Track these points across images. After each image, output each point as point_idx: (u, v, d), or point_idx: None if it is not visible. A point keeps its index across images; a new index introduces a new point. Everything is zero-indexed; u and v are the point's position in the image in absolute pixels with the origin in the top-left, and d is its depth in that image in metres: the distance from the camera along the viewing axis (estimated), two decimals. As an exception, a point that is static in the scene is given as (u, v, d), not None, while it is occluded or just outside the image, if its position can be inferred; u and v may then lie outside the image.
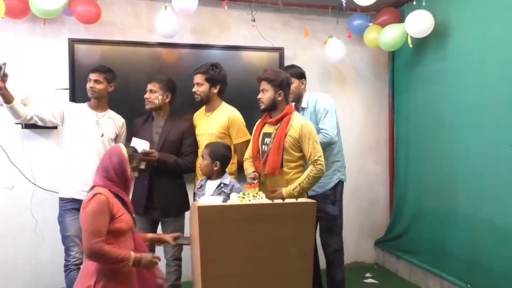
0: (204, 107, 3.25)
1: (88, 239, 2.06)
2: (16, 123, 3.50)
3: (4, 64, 2.74)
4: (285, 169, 2.85)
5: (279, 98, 2.84)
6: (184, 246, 3.17)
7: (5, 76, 2.77)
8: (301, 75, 3.32)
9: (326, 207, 3.27)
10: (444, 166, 3.64)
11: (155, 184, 3.05)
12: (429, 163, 3.85)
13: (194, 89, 3.15)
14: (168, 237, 2.63)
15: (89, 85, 3.07)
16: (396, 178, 4.37)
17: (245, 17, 4.00)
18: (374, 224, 4.51)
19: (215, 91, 3.14)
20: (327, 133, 3.19)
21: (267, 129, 2.93)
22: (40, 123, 3.07)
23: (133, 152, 2.33)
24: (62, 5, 3.15)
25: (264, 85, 2.85)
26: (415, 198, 4.05)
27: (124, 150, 2.28)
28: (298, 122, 2.83)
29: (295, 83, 3.23)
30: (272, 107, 2.87)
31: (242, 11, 4.01)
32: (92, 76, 3.07)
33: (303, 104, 3.32)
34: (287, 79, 2.90)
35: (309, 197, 3.14)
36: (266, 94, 2.85)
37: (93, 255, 2.08)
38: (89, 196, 2.15)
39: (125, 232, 2.21)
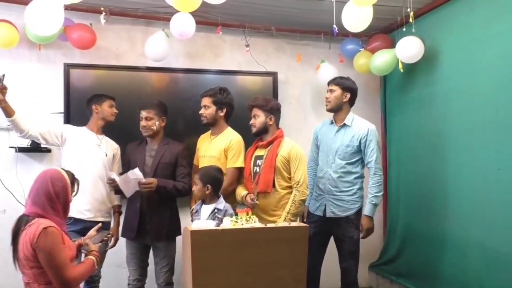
0: (210, 131, 3.28)
1: (62, 275, 2.00)
2: (10, 147, 3.52)
3: (3, 75, 2.70)
4: (277, 188, 2.97)
5: (270, 122, 3.06)
6: (176, 270, 3.15)
7: (4, 88, 2.74)
8: (345, 87, 3.21)
9: (350, 232, 3.15)
10: (434, 189, 3.66)
11: (147, 208, 3.04)
12: (420, 186, 3.87)
13: (201, 112, 3.18)
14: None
15: (113, 110, 3.19)
16: (389, 201, 4.38)
17: (239, 42, 4.07)
18: (368, 247, 4.46)
19: (222, 114, 3.18)
20: (381, 175, 3.14)
21: (259, 152, 3.10)
22: (42, 142, 3.08)
23: (73, 178, 2.22)
24: (57, 31, 3.19)
25: (255, 111, 3.07)
26: (407, 221, 4.05)
27: (65, 175, 2.16)
28: (288, 144, 3.03)
29: (337, 92, 3.19)
30: (264, 131, 3.07)
31: (236, 36, 4.09)
32: (112, 102, 3.20)
33: (347, 122, 3.22)
34: (276, 105, 3.13)
35: (328, 218, 3.19)
36: (258, 119, 3.06)
37: (71, 285, 2.06)
38: (34, 230, 1.98)
39: (73, 258, 2.18)
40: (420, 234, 3.85)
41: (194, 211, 2.91)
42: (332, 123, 3.33)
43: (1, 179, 3.52)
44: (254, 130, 3.09)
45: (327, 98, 3.25)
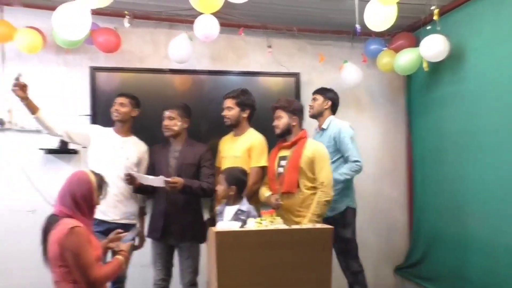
0: (232, 132, 3.30)
1: (88, 275, 2.03)
2: (39, 149, 3.61)
3: (19, 75, 2.81)
4: (301, 188, 2.97)
5: (294, 123, 3.07)
6: (201, 270, 3.17)
7: (24, 86, 2.83)
8: (327, 96, 3.53)
9: (338, 232, 3.19)
10: (461, 189, 3.59)
11: (171, 209, 3.07)
12: (446, 187, 3.79)
13: (224, 113, 3.22)
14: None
15: (113, 108, 3.16)
16: (414, 202, 4.32)
17: (261, 44, 4.07)
18: (393, 250, 4.42)
19: (245, 115, 3.21)
20: (358, 164, 3.27)
21: (283, 153, 3.10)
22: (68, 140, 3.15)
23: (101, 180, 2.26)
24: (84, 36, 3.26)
25: (278, 112, 3.08)
26: (433, 223, 3.98)
27: (92, 177, 2.21)
28: (313, 145, 3.05)
29: (319, 100, 3.49)
30: (287, 132, 3.08)
31: (258, 37, 4.09)
32: (118, 99, 3.18)
33: (324, 125, 3.47)
34: (299, 106, 3.17)
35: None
36: (281, 120, 3.07)
37: (98, 285, 2.08)
38: (61, 229, 2.04)
39: (100, 258, 2.21)
40: (447, 236, 3.77)
41: (217, 212, 2.92)
42: (316, 130, 3.55)
43: (31, 180, 3.61)
44: (277, 131, 3.10)
45: (310, 106, 3.53)
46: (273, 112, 3.12)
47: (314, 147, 3.01)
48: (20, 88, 2.82)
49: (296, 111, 3.09)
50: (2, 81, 3.61)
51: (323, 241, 2.52)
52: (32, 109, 2.91)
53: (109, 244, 2.39)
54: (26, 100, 2.86)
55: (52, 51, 3.68)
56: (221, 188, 2.83)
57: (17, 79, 2.82)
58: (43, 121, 2.97)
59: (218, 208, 2.96)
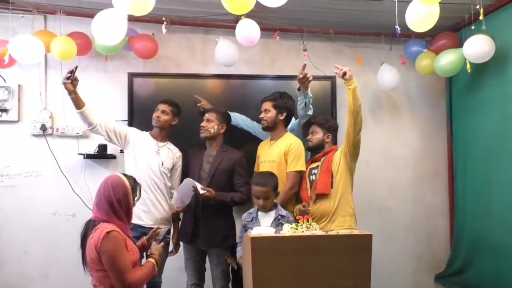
0: (269, 137, 3.30)
1: (124, 279, 2.06)
2: (79, 154, 3.70)
3: (76, 67, 2.88)
4: (334, 187, 2.94)
5: (327, 140, 3.11)
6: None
7: (75, 80, 2.89)
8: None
9: None
10: (505, 195, 3.43)
11: (202, 214, 3.07)
12: (489, 192, 3.64)
13: (261, 116, 3.23)
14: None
15: (155, 114, 3.20)
16: (456, 208, 4.16)
17: (296, 47, 4.03)
18: (433, 257, 4.27)
19: (282, 118, 3.21)
20: None
21: (314, 165, 3.12)
22: (106, 139, 3.19)
23: (134, 183, 2.28)
24: (122, 42, 3.31)
25: (314, 128, 3.13)
26: (476, 230, 3.82)
27: (126, 181, 2.23)
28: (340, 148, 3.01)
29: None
30: (320, 147, 3.11)
31: (293, 41, 4.05)
32: (161, 106, 3.21)
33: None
34: (335, 124, 3.22)
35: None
36: (315, 136, 3.12)
37: None
38: (98, 234, 2.07)
39: (136, 262, 2.22)
40: (491, 244, 3.61)
41: (249, 219, 2.87)
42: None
43: (70, 185, 3.70)
44: (310, 145, 3.14)
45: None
46: (309, 127, 3.16)
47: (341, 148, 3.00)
48: (71, 82, 2.88)
49: (331, 129, 3.14)
50: (44, 87, 3.73)
51: (361, 248, 2.46)
52: (78, 104, 2.96)
53: (146, 244, 2.43)
54: (74, 94, 2.92)
55: (93, 59, 3.77)
56: (261, 202, 2.78)
57: (72, 71, 2.87)
58: (87, 116, 3.01)
59: (250, 212, 2.92)
